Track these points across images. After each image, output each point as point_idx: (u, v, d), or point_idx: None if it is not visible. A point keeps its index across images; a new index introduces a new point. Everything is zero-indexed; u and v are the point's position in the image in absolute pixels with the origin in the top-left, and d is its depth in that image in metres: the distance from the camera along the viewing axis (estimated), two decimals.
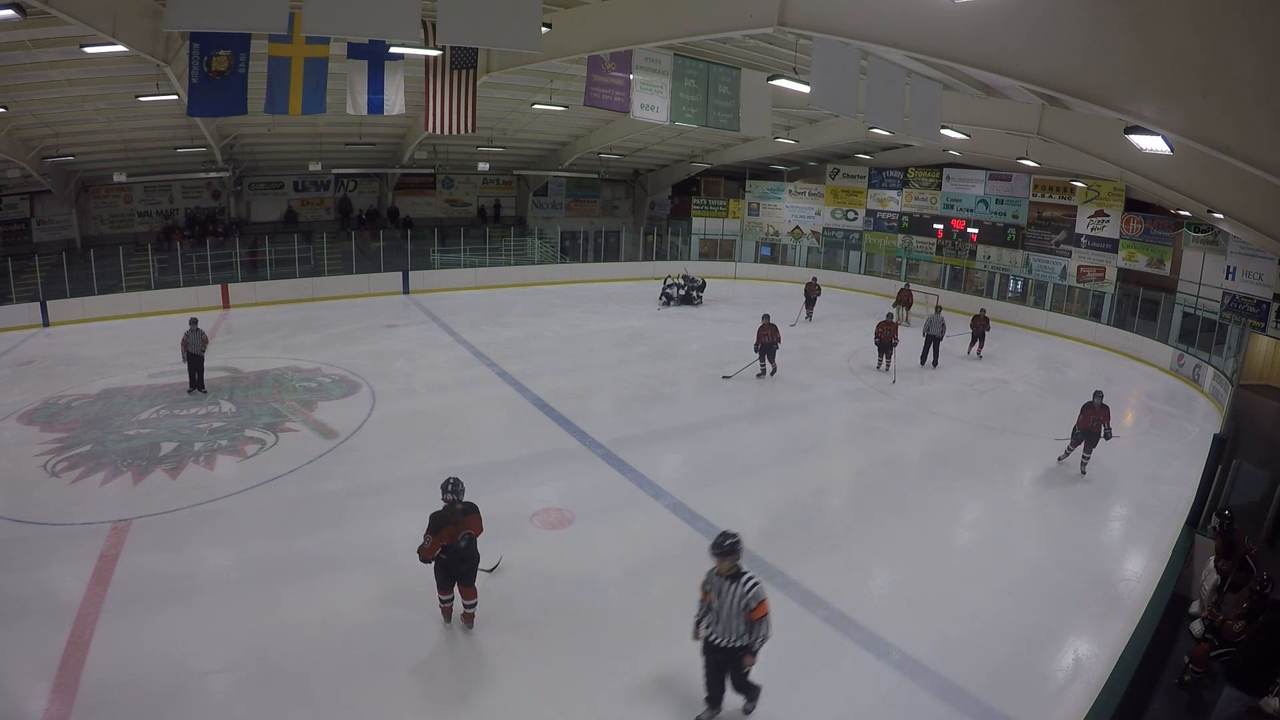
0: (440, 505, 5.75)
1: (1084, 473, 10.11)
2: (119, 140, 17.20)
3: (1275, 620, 4.75)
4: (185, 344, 11.66)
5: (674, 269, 22.99)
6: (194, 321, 11.92)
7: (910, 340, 15.98)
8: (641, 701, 5.42)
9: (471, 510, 5.89)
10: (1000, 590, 7.09)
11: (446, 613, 6.20)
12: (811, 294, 19.78)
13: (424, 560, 5.82)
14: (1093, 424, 9.96)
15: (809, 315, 19.55)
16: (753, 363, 13.97)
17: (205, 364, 11.91)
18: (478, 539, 5.93)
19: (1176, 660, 5.96)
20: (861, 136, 20.00)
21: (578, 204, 28.79)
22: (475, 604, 6.13)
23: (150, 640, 5.78)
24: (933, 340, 15.34)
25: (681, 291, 21.45)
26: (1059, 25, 6.58)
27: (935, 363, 15.39)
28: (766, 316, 14.01)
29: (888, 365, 14.34)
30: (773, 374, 13.93)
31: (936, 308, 15.91)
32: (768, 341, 13.74)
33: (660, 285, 21.96)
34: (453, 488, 5.83)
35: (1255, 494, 7.94)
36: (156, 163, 19.15)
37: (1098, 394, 10.16)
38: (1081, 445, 10.14)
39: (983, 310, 16.98)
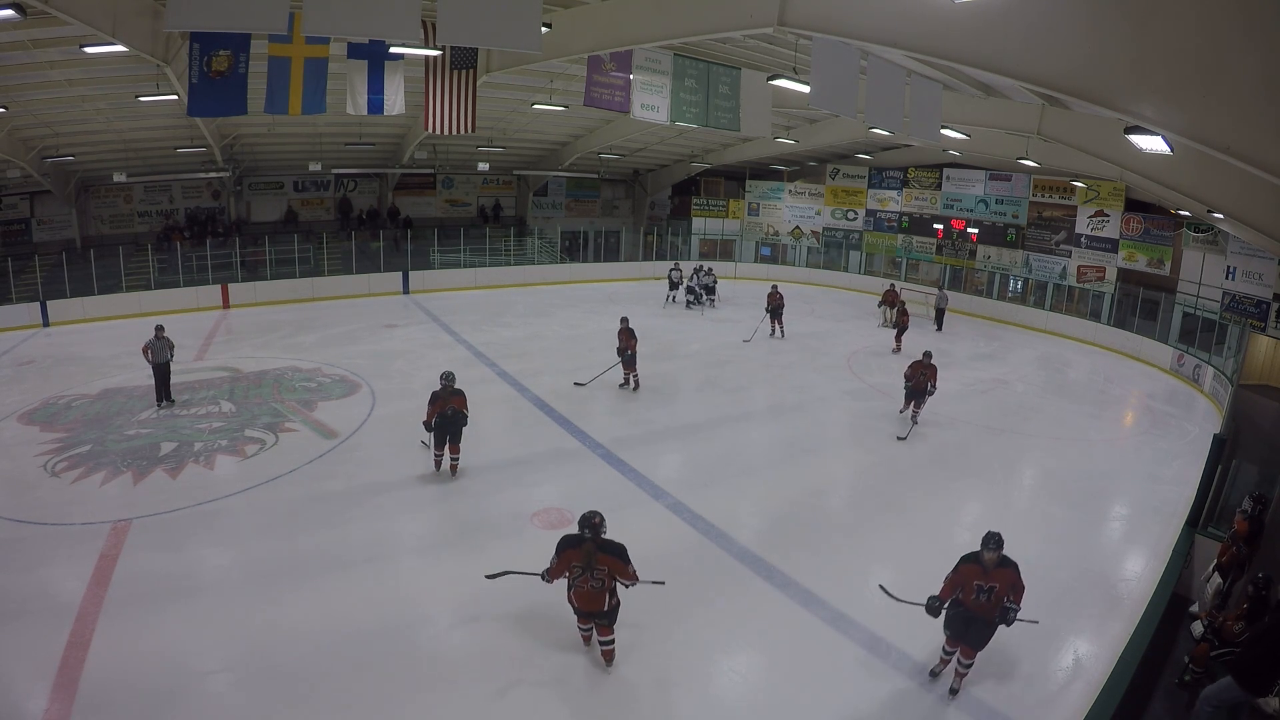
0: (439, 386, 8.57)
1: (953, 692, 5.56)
2: (119, 140, 17.20)
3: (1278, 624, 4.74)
4: (148, 352, 10.80)
5: (686, 267, 22.46)
6: (159, 329, 11.08)
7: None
8: (641, 701, 5.42)
9: (458, 394, 8.64)
10: None
11: (437, 462, 9.02)
12: (774, 303, 17.30)
13: (427, 424, 8.63)
14: (977, 599, 5.18)
15: (775, 329, 17.25)
16: (613, 367, 12.80)
17: (174, 370, 11.25)
18: (463, 413, 8.67)
19: (1176, 660, 5.97)
20: (861, 136, 19.99)
21: (578, 204, 28.78)
22: (458, 458, 8.93)
23: (150, 640, 5.78)
24: (940, 312, 19.32)
25: (700, 288, 20.76)
26: (1059, 25, 6.58)
27: (940, 328, 18.91)
28: (625, 320, 12.84)
29: (915, 413, 11.43)
30: (635, 389, 12.64)
31: (939, 285, 20.31)
32: (621, 347, 12.62)
33: (666, 282, 21.46)
34: (447, 377, 8.60)
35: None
36: (156, 163, 19.15)
37: (991, 541, 5.13)
38: (955, 654, 5.52)
39: (902, 304, 16.92)
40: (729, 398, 12.87)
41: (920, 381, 11.18)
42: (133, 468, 8.91)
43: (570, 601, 5.46)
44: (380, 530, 7.70)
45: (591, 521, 5.32)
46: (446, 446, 8.81)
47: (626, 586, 5.41)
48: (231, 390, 11.97)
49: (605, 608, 5.40)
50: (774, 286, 17.72)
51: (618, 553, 5.34)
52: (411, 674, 5.56)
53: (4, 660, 5.53)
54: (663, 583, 5.78)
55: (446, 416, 8.60)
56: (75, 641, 5.68)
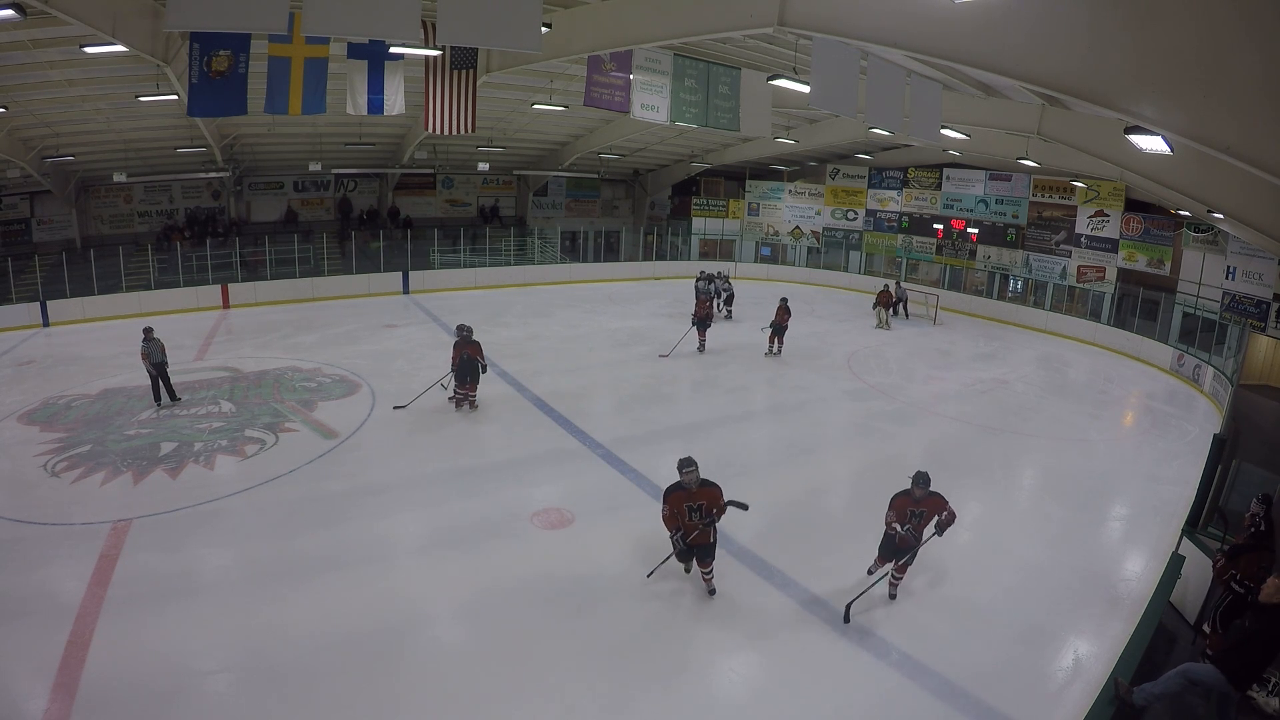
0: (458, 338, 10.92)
1: None
2: (119, 140, 17.21)
3: (1264, 628, 4.74)
4: (146, 357, 10.86)
5: (710, 269, 21.28)
6: (148, 331, 11.01)
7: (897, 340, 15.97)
8: (640, 701, 5.42)
9: (473, 343, 10.82)
10: (1000, 590, 7.09)
11: (457, 402, 11.15)
12: (701, 312, 15.45)
13: (453, 368, 10.85)
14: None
15: (700, 341, 15.53)
16: (444, 379, 11.43)
17: (174, 370, 11.30)
18: (477, 359, 10.90)
19: (1176, 660, 5.95)
20: (861, 136, 19.99)
21: (578, 204, 28.79)
22: (474, 395, 11.14)
23: (150, 640, 5.78)
24: (901, 301, 20.86)
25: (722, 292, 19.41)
26: (1059, 25, 6.58)
27: (906, 314, 20.75)
28: (469, 331, 11.08)
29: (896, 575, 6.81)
30: (472, 407, 11.12)
31: (898, 283, 21.60)
32: (466, 358, 10.91)
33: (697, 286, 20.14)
34: (464, 329, 10.96)
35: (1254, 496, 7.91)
36: (156, 163, 19.15)
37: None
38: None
39: (783, 300, 15.51)
40: (729, 398, 12.86)
41: (905, 538, 6.49)
42: (133, 468, 8.90)
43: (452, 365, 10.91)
44: (380, 530, 7.70)
45: (459, 325, 11.08)
46: (466, 386, 10.93)
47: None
48: (231, 390, 11.97)
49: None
50: (707, 291, 17.20)
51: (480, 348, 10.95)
52: (411, 674, 5.56)
53: (4, 660, 5.53)
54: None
55: (465, 360, 10.70)
56: (75, 641, 5.68)
